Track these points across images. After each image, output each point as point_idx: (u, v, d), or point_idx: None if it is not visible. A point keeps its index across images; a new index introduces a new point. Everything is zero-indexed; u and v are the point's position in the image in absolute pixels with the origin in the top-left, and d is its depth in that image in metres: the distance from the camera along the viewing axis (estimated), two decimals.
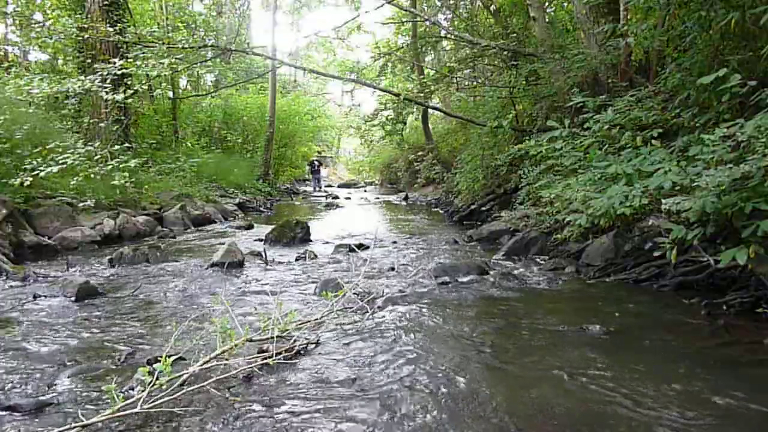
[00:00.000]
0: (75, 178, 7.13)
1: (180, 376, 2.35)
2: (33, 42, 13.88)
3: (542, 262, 5.40)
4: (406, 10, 15.57)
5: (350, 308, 3.60)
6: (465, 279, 4.56)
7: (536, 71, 8.92)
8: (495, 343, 3.02)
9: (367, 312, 3.51)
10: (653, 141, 4.42)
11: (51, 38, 12.00)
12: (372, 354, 2.84)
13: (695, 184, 3.35)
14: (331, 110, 32.08)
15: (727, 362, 2.72)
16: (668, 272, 4.21)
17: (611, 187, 4.13)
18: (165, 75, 10.11)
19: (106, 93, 8.06)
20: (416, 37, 16.23)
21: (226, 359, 2.60)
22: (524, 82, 9.46)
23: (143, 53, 8.76)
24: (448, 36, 15.05)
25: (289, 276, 4.97)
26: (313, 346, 2.95)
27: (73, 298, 3.97)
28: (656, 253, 3.77)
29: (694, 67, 4.90)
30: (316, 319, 3.33)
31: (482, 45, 10.59)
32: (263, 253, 5.78)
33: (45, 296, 4.04)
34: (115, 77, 8.33)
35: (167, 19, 16.54)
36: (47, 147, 6.99)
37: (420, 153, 18.01)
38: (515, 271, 4.92)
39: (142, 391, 2.20)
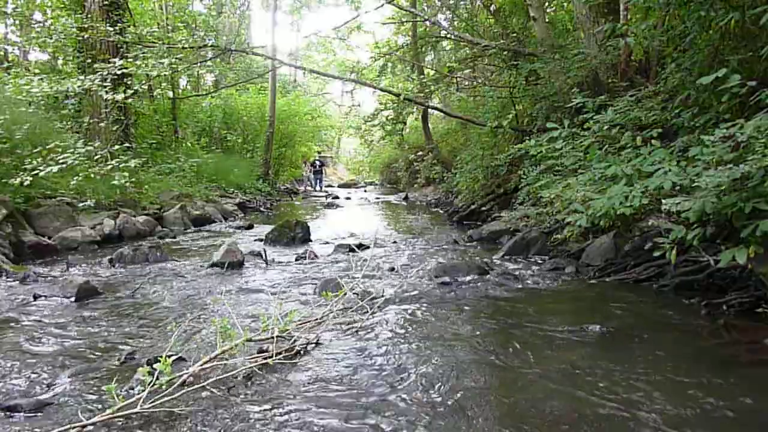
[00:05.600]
0: (75, 178, 7.13)
1: (180, 376, 2.35)
2: (33, 42, 13.87)
3: (542, 262, 5.40)
4: (406, 10, 15.56)
5: (350, 308, 3.60)
6: (465, 279, 4.56)
7: (536, 71, 8.91)
8: (495, 343, 3.02)
9: (367, 312, 3.51)
10: (653, 141, 4.42)
11: (51, 38, 11.98)
12: (372, 354, 2.84)
13: (695, 184, 3.34)
14: (331, 110, 32.07)
15: (727, 362, 2.72)
16: (668, 272, 4.21)
17: (611, 187, 4.13)
18: (165, 75, 10.11)
19: (106, 93, 8.06)
20: (416, 37, 16.22)
21: (226, 359, 2.60)
22: (524, 82, 9.45)
23: (143, 53, 8.76)
24: (448, 36, 15.04)
25: (289, 276, 4.97)
26: (313, 346, 2.95)
27: (73, 298, 3.97)
28: (656, 253, 3.76)
29: (694, 67, 4.89)
30: (316, 319, 3.33)
31: (482, 45, 10.59)
32: (263, 253, 5.78)
33: (45, 296, 4.04)
34: (115, 77, 8.33)
35: (167, 19, 16.53)
36: (47, 147, 6.98)
37: (420, 153, 17.99)
38: (515, 271, 4.92)
39: (142, 391, 2.20)
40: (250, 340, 2.80)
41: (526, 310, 3.73)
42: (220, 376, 2.43)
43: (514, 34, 11.03)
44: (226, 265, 5.19)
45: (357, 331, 3.20)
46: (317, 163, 22.78)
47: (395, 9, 16.29)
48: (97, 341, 3.12)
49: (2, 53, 15.04)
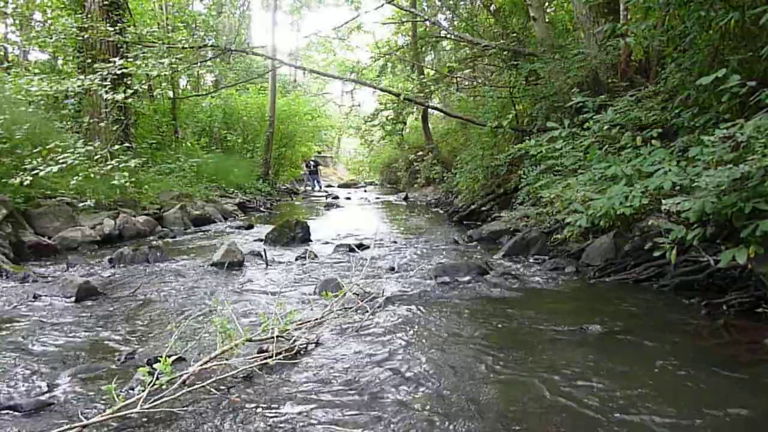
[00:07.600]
0: (75, 178, 7.13)
1: (180, 376, 2.35)
2: (33, 42, 13.86)
3: (542, 262, 5.40)
4: (406, 10, 15.55)
5: (350, 308, 3.60)
6: (465, 279, 4.56)
7: (536, 71, 8.90)
8: (495, 343, 3.02)
9: (367, 312, 3.51)
10: (653, 141, 4.42)
11: (51, 38, 11.97)
12: (372, 354, 2.84)
13: (695, 184, 3.34)
14: (331, 110, 32.04)
15: (727, 362, 2.71)
16: (668, 272, 4.21)
17: (611, 187, 4.13)
18: (165, 75, 10.11)
19: (106, 93, 8.05)
20: (416, 37, 16.22)
21: (226, 359, 2.60)
22: (524, 82, 9.45)
23: (143, 53, 8.76)
24: (448, 36, 15.03)
25: (289, 276, 4.97)
26: (313, 346, 2.95)
27: (73, 298, 3.97)
28: (656, 253, 3.76)
29: (694, 67, 4.89)
30: (316, 319, 3.33)
31: (482, 45, 10.59)
32: (263, 253, 5.77)
33: (45, 296, 4.04)
34: (115, 77, 8.32)
35: (167, 19, 16.52)
36: (47, 147, 6.98)
37: (420, 153, 17.98)
38: (515, 271, 4.92)
39: (142, 391, 2.20)
40: (250, 340, 2.80)
41: (526, 310, 3.73)
42: (220, 376, 2.43)
43: (514, 34, 11.02)
44: (226, 265, 5.19)
45: (357, 331, 3.20)
46: (311, 163, 22.75)
47: (395, 9, 16.29)
48: (97, 341, 3.12)
49: (2, 53, 15.03)
